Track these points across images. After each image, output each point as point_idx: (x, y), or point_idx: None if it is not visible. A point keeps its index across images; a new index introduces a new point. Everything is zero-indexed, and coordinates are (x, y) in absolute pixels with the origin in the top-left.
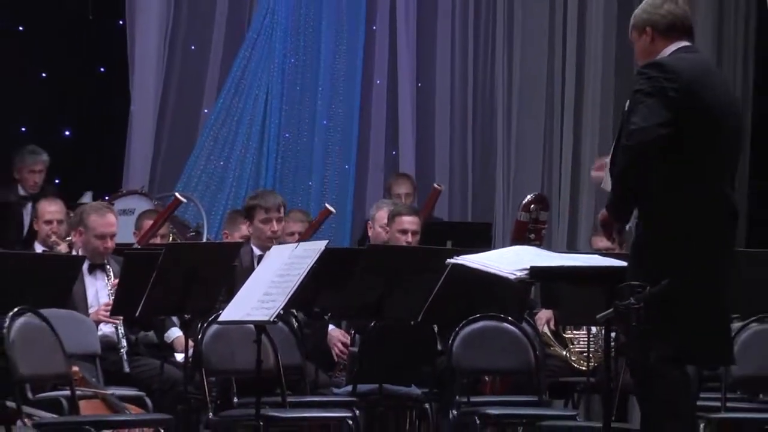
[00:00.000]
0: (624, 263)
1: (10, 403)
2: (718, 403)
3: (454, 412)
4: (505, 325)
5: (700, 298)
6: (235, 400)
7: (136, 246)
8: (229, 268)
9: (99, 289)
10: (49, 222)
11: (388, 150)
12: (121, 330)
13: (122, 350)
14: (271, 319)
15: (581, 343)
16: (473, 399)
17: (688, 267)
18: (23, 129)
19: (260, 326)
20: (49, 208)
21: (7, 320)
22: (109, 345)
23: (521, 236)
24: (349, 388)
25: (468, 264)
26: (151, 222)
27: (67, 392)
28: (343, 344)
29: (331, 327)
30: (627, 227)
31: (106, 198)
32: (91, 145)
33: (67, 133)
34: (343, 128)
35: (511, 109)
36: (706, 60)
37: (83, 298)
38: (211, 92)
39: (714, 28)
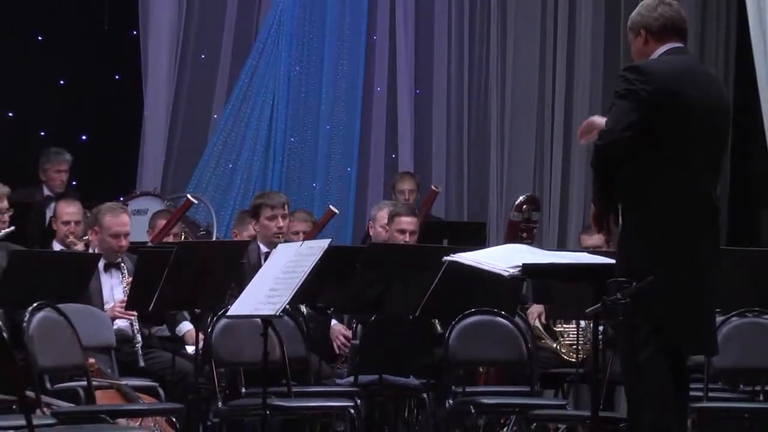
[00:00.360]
0: (611, 260)
1: (30, 393)
2: (700, 393)
3: (450, 401)
4: (499, 319)
5: (681, 292)
6: (243, 390)
7: (149, 244)
8: (237, 265)
9: (114, 286)
10: (66, 222)
11: (388, 153)
12: (136, 326)
13: (137, 345)
14: (277, 314)
15: (571, 336)
16: (468, 389)
17: (665, 263)
18: (42, 133)
19: (267, 320)
20: (67, 209)
21: (27, 315)
22: (123, 338)
23: (514, 235)
24: (351, 378)
25: (463, 261)
26: (163, 222)
27: (84, 383)
28: (345, 337)
29: (333, 321)
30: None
31: (121, 199)
32: (107, 149)
33: (83, 137)
34: (346, 133)
35: (504, 115)
36: (692, 61)
37: (99, 295)
38: (220, 98)
39: (696, 29)
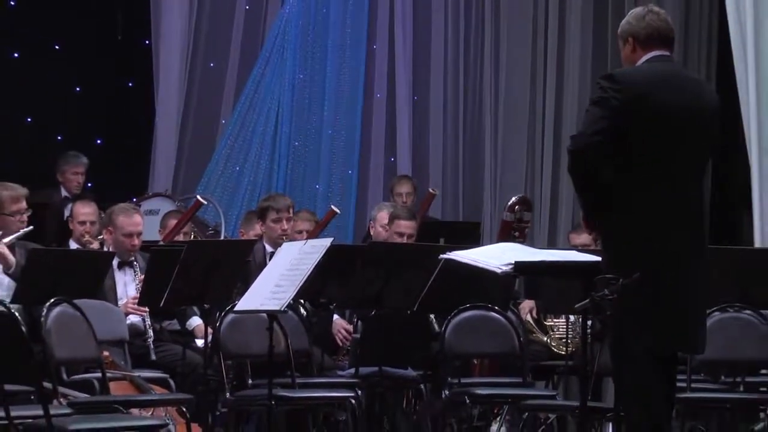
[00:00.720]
0: (599, 258)
1: (47, 384)
2: (683, 384)
3: (447, 392)
4: (492, 313)
5: (661, 294)
6: (250, 381)
7: (161, 243)
8: (244, 263)
9: (127, 283)
10: (82, 222)
11: (387, 156)
12: (148, 322)
13: (149, 340)
14: (282, 309)
15: (561, 330)
16: (463, 380)
17: (644, 265)
18: (59, 138)
19: (272, 315)
20: (83, 210)
21: (45, 310)
22: (136, 332)
23: (507, 234)
24: (352, 370)
25: (459, 259)
26: (174, 221)
27: (98, 374)
28: (347, 331)
29: (335, 316)
30: None
31: (134, 200)
32: (121, 152)
33: (98, 141)
34: (347, 137)
35: (497, 121)
36: (673, 68)
37: (113, 291)
38: (228, 105)
39: (679, 37)
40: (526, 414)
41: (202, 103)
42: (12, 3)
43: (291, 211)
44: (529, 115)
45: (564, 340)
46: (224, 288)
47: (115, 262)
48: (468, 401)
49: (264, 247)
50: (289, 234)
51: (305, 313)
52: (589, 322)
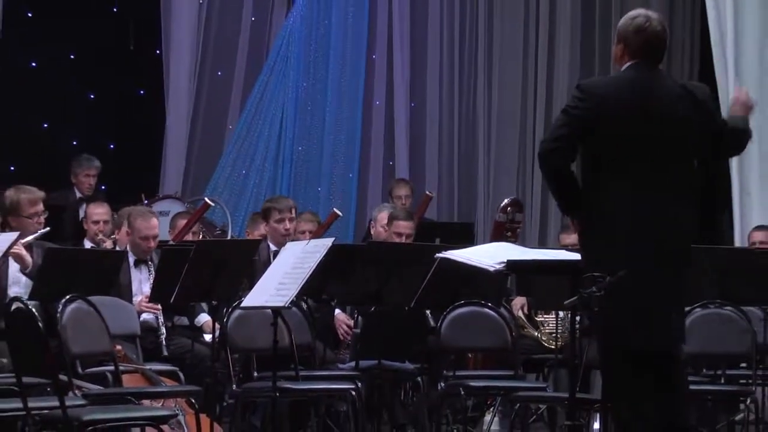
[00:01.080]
0: None
1: (63, 377)
2: None
3: (442, 384)
4: (486, 309)
5: (625, 292)
6: (255, 374)
7: (171, 243)
8: (250, 262)
9: (142, 281)
10: (96, 222)
11: (386, 160)
12: (161, 319)
13: (161, 336)
14: (286, 305)
15: (551, 325)
16: (458, 373)
17: (610, 264)
18: (74, 142)
19: (276, 311)
20: (97, 211)
21: (60, 306)
22: (148, 328)
23: (499, 234)
24: (352, 363)
25: (454, 258)
26: (183, 222)
27: (111, 367)
28: (347, 326)
29: (337, 311)
30: None
31: (146, 202)
32: (132, 156)
33: (111, 146)
34: (347, 142)
35: (490, 126)
36: (648, 77)
37: (128, 288)
38: (234, 111)
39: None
40: (518, 405)
41: (210, 109)
42: (29, 15)
43: (293, 211)
44: (520, 122)
45: (554, 335)
46: (231, 285)
47: (131, 260)
48: (462, 393)
49: (268, 246)
50: (292, 234)
51: (308, 309)
52: (578, 318)
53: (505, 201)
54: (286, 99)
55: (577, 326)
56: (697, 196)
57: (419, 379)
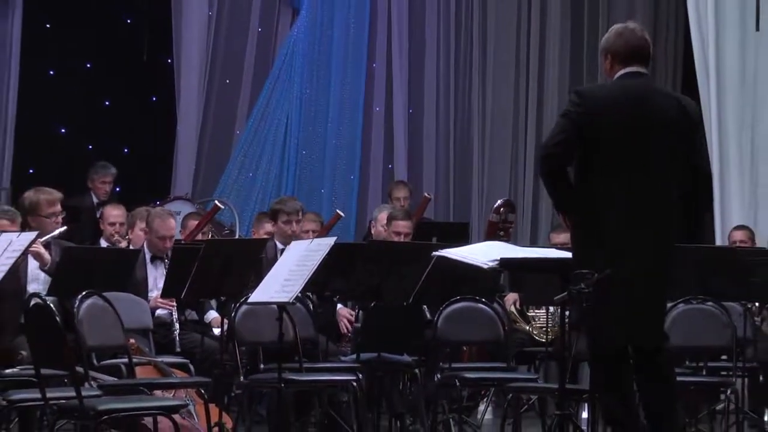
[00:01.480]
0: None
1: (79, 369)
2: None
3: (439, 375)
4: (480, 305)
5: (608, 289)
6: (261, 366)
7: (182, 242)
8: (256, 260)
9: (157, 277)
10: (112, 224)
11: (385, 164)
12: (175, 315)
13: (175, 332)
14: (291, 301)
15: (541, 319)
16: (454, 365)
17: (596, 262)
18: (90, 147)
19: (282, 306)
20: (113, 212)
21: (77, 302)
22: (163, 323)
23: (493, 233)
24: (354, 356)
25: (450, 256)
26: (194, 222)
27: (125, 360)
28: (349, 320)
29: (339, 306)
30: None
31: (158, 203)
32: (145, 160)
33: (125, 150)
34: (349, 146)
35: (484, 131)
36: (641, 84)
37: (144, 283)
38: (242, 117)
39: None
40: (510, 395)
41: (218, 115)
42: (48, 26)
43: (300, 213)
44: (513, 127)
45: (544, 329)
46: (239, 282)
47: (148, 257)
48: (458, 384)
49: (275, 244)
50: (297, 233)
51: (311, 304)
52: (567, 313)
53: (498, 202)
54: (290, 105)
55: (567, 321)
56: (681, 197)
57: (417, 370)
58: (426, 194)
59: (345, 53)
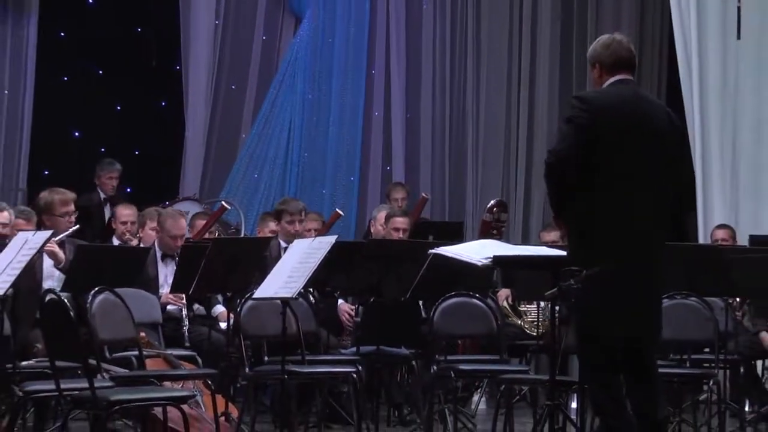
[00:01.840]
0: (565, 253)
1: (92, 361)
2: None
3: (435, 367)
4: (474, 300)
5: (605, 286)
6: (266, 358)
7: (190, 240)
8: (261, 257)
9: (168, 274)
10: (124, 223)
11: (384, 166)
12: (185, 311)
13: (185, 326)
14: (294, 296)
15: (532, 314)
16: (449, 357)
17: (593, 261)
18: (103, 149)
19: (285, 301)
20: (124, 212)
21: (90, 297)
22: (173, 318)
23: (486, 232)
24: (354, 349)
25: (445, 253)
26: (202, 222)
27: (136, 352)
28: (349, 315)
29: (339, 302)
30: None
31: (167, 203)
32: (155, 162)
33: (136, 152)
34: (349, 149)
35: (478, 135)
36: (633, 91)
37: (156, 280)
38: (247, 121)
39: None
40: (503, 386)
41: (225, 119)
42: (62, 35)
43: (303, 214)
44: (505, 130)
45: (535, 323)
46: (244, 278)
47: (159, 255)
48: (453, 375)
49: (279, 243)
50: (300, 233)
51: (313, 300)
52: (557, 308)
53: (492, 202)
54: (293, 110)
55: (557, 315)
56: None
57: (414, 363)
58: (423, 195)
59: (345, 61)
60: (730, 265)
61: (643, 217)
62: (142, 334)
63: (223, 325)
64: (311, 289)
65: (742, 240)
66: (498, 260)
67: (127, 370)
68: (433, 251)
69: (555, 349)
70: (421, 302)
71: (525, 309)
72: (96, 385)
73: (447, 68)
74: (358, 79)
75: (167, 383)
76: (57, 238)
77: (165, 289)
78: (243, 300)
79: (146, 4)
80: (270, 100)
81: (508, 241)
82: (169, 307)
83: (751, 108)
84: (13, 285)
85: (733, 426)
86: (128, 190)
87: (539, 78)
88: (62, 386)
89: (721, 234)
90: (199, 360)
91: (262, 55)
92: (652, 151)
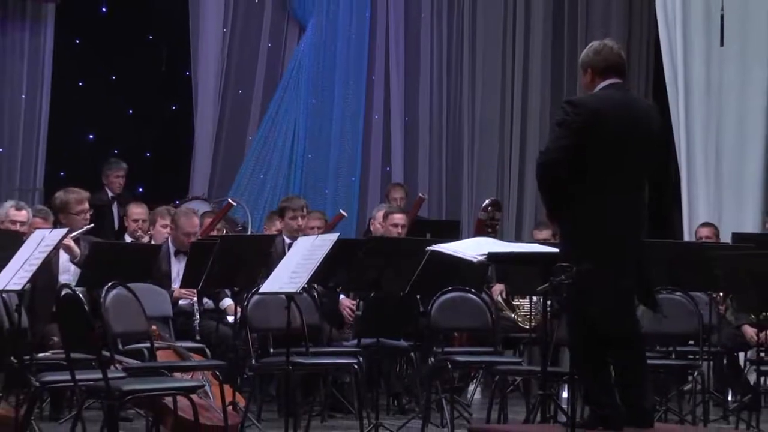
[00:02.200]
0: (557, 250)
1: (106, 353)
2: None
3: (432, 359)
4: (470, 295)
5: (597, 281)
6: (271, 350)
7: (199, 237)
8: (267, 254)
9: (179, 270)
10: (136, 221)
11: (383, 167)
12: (196, 306)
13: (195, 321)
14: (298, 291)
15: (526, 308)
16: (446, 350)
17: (584, 257)
18: (116, 151)
19: (290, 296)
20: (137, 210)
21: (103, 292)
22: (184, 312)
23: (481, 230)
24: (355, 341)
25: (442, 250)
26: (210, 220)
27: (147, 345)
28: (351, 309)
29: (341, 296)
30: None
31: (177, 202)
32: (165, 163)
33: (148, 154)
34: (350, 151)
35: (474, 137)
36: (622, 95)
37: (168, 276)
38: (254, 124)
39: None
40: (497, 377)
41: (232, 123)
42: (77, 42)
43: (305, 210)
44: (500, 133)
45: (528, 317)
46: (250, 274)
47: (172, 250)
48: (450, 366)
49: (283, 239)
50: (303, 229)
51: (317, 294)
52: (549, 302)
53: (486, 201)
54: (297, 114)
55: (549, 309)
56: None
57: (412, 354)
58: (420, 195)
59: (347, 66)
60: (713, 261)
61: (631, 217)
62: (154, 327)
63: (230, 318)
64: (315, 284)
65: (726, 237)
66: (492, 257)
67: (139, 362)
68: (430, 248)
69: (547, 341)
70: (419, 297)
71: (518, 303)
72: (109, 375)
73: (444, 74)
74: (358, 85)
75: (177, 374)
76: (72, 235)
77: (177, 284)
78: (250, 294)
79: (158, 12)
80: (275, 105)
81: (502, 238)
82: (180, 301)
83: (735, 109)
84: (31, 280)
85: (717, 415)
86: (140, 189)
87: (531, 85)
88: (77, 377)
89: (705, 232)
90: (208, 352)
91: (268, 61)
92: (641, 153)
